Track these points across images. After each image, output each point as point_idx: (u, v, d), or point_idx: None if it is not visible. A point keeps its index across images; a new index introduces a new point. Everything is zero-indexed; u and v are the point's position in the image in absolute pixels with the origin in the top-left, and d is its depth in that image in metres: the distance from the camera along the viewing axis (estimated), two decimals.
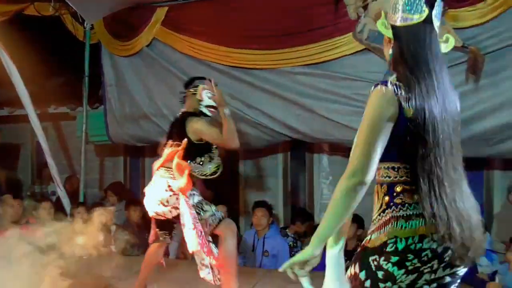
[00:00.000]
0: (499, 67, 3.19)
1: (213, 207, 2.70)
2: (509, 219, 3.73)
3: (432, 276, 1.29)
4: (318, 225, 4.34)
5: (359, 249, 1.39)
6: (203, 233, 2.56)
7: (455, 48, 3.20)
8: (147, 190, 2.75)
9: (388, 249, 1.28)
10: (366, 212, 4.21)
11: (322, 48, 3.58)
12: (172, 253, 4.24)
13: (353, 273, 1.36)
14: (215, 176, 2.80)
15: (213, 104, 2.76)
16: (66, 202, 4.40)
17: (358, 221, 3.74)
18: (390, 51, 1.40)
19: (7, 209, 3.75)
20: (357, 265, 1.35)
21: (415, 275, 1.28)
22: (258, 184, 4.89)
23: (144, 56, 4.25)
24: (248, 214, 4.64)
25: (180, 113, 2.87)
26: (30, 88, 4.42)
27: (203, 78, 2.87)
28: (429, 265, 1.27)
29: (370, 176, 1.28)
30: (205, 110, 2.81)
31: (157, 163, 2.72)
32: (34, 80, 4.53)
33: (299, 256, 1.35)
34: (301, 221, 4.22)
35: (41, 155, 4.57)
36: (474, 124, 3.21)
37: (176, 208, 2.61)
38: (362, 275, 1.32)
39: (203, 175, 2.78)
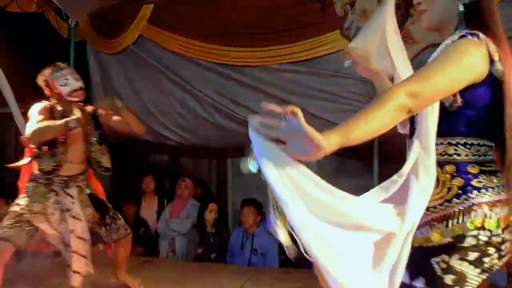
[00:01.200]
0: None
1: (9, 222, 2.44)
2: None
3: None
4: None
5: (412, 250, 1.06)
6: None
7: None
8: None
9: (465, 244, 1.04)
10: None
11: (309, 46, 3.58)
12: (163, 252, 4.22)
13: (407, 283, 1.07)
14: (51, 175, 2.55)
15: (74, 88, 2.62)
16: None
17: None
18: (461, 7, 1.16)
19: None
20: (405, 273, 1.05)
21: (485, 275, 1.07)
22: (247, 182, 4.88)
23: (130, 53, 4.19)
24: (236, 213, 4.63)
25: None
26: (14, 86, 4.33)
27: (48, 68, 2.69)
28: (502, 260, 1.07)
29: (414, 110, 1.03)
30: (74, 99, 2.65)
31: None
32: (18, 78, 4.44)
33: (308, 128, 0.95)
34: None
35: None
36: None
37: None
38: (419, 284, 1.05)
39: (40, 170, 2.56)
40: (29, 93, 5.00)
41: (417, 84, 1.03)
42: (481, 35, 1.10)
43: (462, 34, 1.11)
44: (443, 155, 1.14)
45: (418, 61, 3.33)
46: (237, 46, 3.77)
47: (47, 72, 2.67)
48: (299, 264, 3.94)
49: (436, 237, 1.08)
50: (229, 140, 4.11)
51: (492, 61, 1.08)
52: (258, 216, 3.94)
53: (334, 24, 3.48)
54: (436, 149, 1.13)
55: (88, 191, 2.68)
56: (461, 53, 1.06)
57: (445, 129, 1.12)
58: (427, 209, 1.09)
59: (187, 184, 4.33)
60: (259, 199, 4.21)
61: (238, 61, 3.80)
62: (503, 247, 1.06)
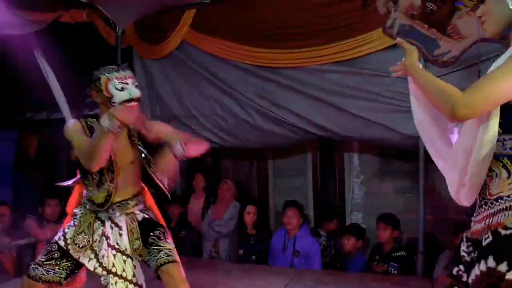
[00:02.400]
0: None
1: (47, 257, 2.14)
2: None
3: None
4: (348, 224, 4.26)
5: (486, 241, 1.23)
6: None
7: (491, 40, 3.08)
8: None
9: None
10: (398, 212, 4.13)
11: (351, 45, 3.51)
12: (206, 253, 4.30)
13: (483, 271, 1.21)
14: (104, 208, 2.15)
15: (130, 97, 2.03)
16: None
17: (394, 222, 3.67)
18: None
19: (47, 209, 3.90)
20: (490, 259, 1.19)
21: None
22: (287, 183, 4.87)
23: (173, 58, 4.31)
24: (278, 214, 4.63)
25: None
26: (66, 92, 4.57)
27: (106, 68, 2.14)
28: None
29: (467, 116, 1.27)
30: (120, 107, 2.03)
31: None
32: (70, 85, 4.68)
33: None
34: (328, 219, 4.18)
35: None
36: None
37: None
38: (503, 267, 1.17)
39: (92, 202, 2.19)
40: (80, 99, 5.29)
41: (473, 96, 1.24)
42: None
43: None
44: None
45: (466, 57, 3.19)
46: (277, 48, 3.77)
47: (102, 69, 2.15)
48: (342, 266, 3.89)
49: (509, 222, 1.19)
50: (269, 142, 4.12)
51: None
52: (301, 217, 3.92)
53: (376, 22, 3.39)
54: (504, 144, 1.27)
55: (140, 217, 2.22)
56: None
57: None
58: (502, 197, 1.24)
59: (229, 185, 4.39)
60: (300, 201, 4.19)
61: (277, 63, 3.80)
62: None
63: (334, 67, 3.62)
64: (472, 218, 1.35)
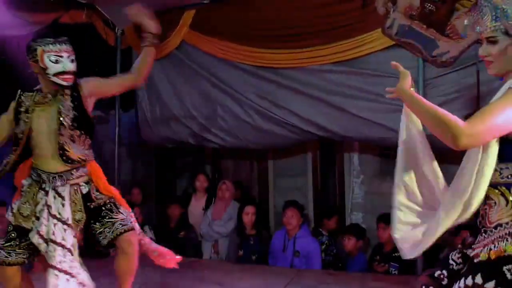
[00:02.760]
0: None
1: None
2: None
3: None
4: (348, 224, 4.26)
5: (479, 260, 1.32)
6: None
7: None
8: None
9: None
10: None
11: (350, 45, 3.52)
12: (206, 254, 4.30)
13: (468, 285, 1.29)
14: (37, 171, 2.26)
15: (63, 69, 2.13)
16: None
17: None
18: None
19: None
20: (478, 276, 1.28)
21: None
22: (288, 184, 4.88)
23: (173, 59, 4.31)
24: (278, 214, 4.64)
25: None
26: None
27: (42, 40, 2.20)
28: None
29: (469, 146, 1.31)
30: (56, 80, 2.15)
31: None
32: None
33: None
34: (327, 218, 4.18)
35: None
36: None
37: None
38: (490, 285, 1.26)
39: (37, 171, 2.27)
40: None
41: (476, 127, 1.26)
42: None
43: None
44: (509, 178, 1.33)
45: (465, 57, 3.20)
46: (277, 48, 3.78)
47: (39, 40, 2.18)
48: (342, 266, 3.90)
49: (510, 248, 1.26)
50: (269, 142, 4.13)
51: None
52: (301, 218, 3.93)
53: (376, 23, 3.40)
54: (501, 173, 1.34)
55: (86, 190, 2.26)
56: None
57: (509, 155, 1.31)
58: (501, 224, 1.31)
59: (228, 186, 4.39)
60: (300, 201, 4.20)
61: (278, 63, 3.81)
62: None
63: (334, 67, 3.63)
64: (473, 246, 1.40)
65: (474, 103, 3.11)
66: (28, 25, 4.44)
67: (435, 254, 3.54)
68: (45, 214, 2.16)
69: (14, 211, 2.22)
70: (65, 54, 2.16)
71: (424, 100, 1.44)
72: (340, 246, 3.96)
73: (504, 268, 1.25)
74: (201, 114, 4.23)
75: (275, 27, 3.79)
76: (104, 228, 2.21)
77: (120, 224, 2.20)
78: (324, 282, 3.26)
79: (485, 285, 1.25)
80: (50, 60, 2.12)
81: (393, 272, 3.53)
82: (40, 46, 2.14)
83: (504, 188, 1.34)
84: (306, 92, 3.74)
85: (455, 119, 1.29)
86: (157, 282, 3.32)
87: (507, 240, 1.28)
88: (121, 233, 2.18)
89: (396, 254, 3.59)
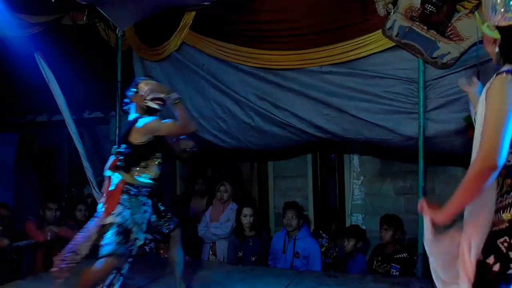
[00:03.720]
0: None
1: (119, 238, 2.48)
2: None
3: None
4: (348, 226, 4.27)
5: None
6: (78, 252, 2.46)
7: None
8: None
9: None
10: (398, 212, 4.13)
11: (350, 47, 3.51)
12: (205, 256, 4.30)
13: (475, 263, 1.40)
14: (157, 181, 2.68)
15: (158, 95, 2.64)
16: None
17: (396, 224, 3.67)
18: (497, 49, 1.53)
19: (47, 212, 3.90)
20: (480, 254, 1.40)
21: None
22: (288, 185, 4.88)
23: (173, 60, 4.31)
24: (278, 216, 4.64)
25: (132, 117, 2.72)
26: (67, 94, 4.58)
27: (146, 77, 2.81)
28: None
29: (501, 160, 1.34)
30: (151, 104, 2.67)
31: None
32: (70, 87, 4.69)
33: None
34: (331, 221, 4.18)
35: (77, 159, 4.71)
36: None
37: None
38: (490, 260, 1.36)
39: (150, 178, 2.65)
40: (80, 101, 5.30)
41: (486, 147, 1.35)
42: None
43: (498, 72, 1.43)
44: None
45: (465, 59, 3.20)
46: (277, 50, 3.78)
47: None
48: (343, 267, 3.90)
49: (496, 223, 1.40)
50: (270, 143, 4.13)
51: None
52: (301, 219, 3.93)
53: (376, 24, 3.40)
54: None
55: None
56: (500, 97, 1.37)
57: None
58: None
59: (226, 187, 4.38)
60: (300, 202, 4.20)
61: (278, 65, 3.81)
62: None
63: (334, 68, 3.63)
64: None
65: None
66: (28, 27, 4.46)
67: None
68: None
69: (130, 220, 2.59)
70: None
71: (450, 203, 1.46)
72: (339, 247, 3.96)
73: (498, 241, 1.36)
74: (201, 115, 4.23)
75: (275, 28, 3.80)
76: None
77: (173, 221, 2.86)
78: (324, 283, 3.25)
79: (486, 261, 1.35)
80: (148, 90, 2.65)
81: (394, 274, 3.53)
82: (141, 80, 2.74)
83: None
84: (306, 93, 3.74)
85: (468, 173, 1.37)
86: (160, 281, 3.33)
87: (498, 213, 1.41)
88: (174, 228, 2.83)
89: (397, 255, 3.59)
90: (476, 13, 1.62)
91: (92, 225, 2.54)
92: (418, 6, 3.23)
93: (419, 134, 3.32)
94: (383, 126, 3.50)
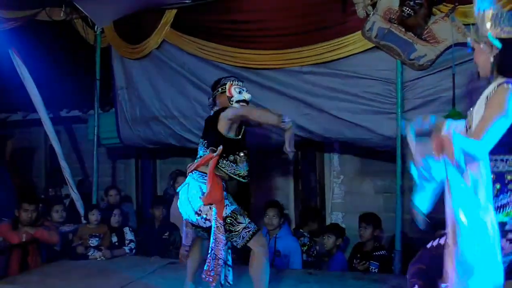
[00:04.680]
0: None
1: (247, 219, 2.54)
2: None
3: None
4: (329, 224, 4.26)
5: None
6: (218, 256, 2.50)
7: (465, 45, 3.19)
8: (180, 191, 2.67)
9: (507, 228, 1.61)
10: (378, 211, 4.20)
11: (330, 47, 3.56)
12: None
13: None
14: (247, 179, 2.66)
15: (244, 98, 2.71)
16: (79, 204, 4.45)
17: (375, 222, 3.73)
18: (492, 59, 1.72)
19: (22, 213, 3.81)
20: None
21: None
22: (269, 184, 4.90)
23: (153, 58, 4.28)
24: (259, 214, 4.65)
25: (212, 112, 2.77)
26: (43, 93, 4.48)
27: (233, 77, 2.85)
28: None
29: (484, 155, 1.57)
30: (236, 106, 2.70)
31: (192, 165, 2.65)
32: (46, 84, 4.59)
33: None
34: (312, 220, 4.22)
35: (54, 159, 4.62)
36: None
37: (209, 220, 2.51)
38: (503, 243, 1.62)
39: (236, 176, 2.62)
40: (57, 99, 5.19)
41: (480, 135, 1.59)
42: None
43: (502, 82, 1.63)
44: (491, 167, 1.67)
45: (441, 61, 3.28)
46: (258, 49, 3.79)
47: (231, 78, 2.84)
48: (323, 265, 3.95)
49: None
50: (251, 142, 4.13)
51: None
52: (281, 218, 3.95)
53: (356, 25, 3.45)
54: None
55: None
56: (505, 103, 1.59)
57: (493, 149, 1.62)
58: None
59: None
60: (281, 201, 4.22)
61: (259, 64, 3.82)
62: None
63: (314, 68, 3.66)
64: None
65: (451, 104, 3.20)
66: (3, 22, 4.34)
67: (411, 252, 3.61)
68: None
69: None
70: (244, 89, 2.78)
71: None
72: (320, 245, 4.01)
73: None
74: (182, 114, 4.21)
75: (257, 28, 3.81)
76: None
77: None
78: (305, 281, 3.28)
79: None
80: (235, 91, 2.73)
81: (373, 270, 3.60)
82: (228, 81, 2.76)
83: None
84: (287, 93, 3.77)
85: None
86: (140, 283, 3.29)
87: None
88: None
89: (376, 253, 3.66)
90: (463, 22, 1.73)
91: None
92: (397, 8, 3.30)
93: (397, 134, 3.38)
94: (363, 126, 3.55)
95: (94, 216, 4.00)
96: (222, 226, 2.49)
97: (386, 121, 3.45)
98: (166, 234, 4.22)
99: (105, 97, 4.82)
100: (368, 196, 4.43)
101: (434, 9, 3.25)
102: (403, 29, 3.31)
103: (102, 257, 3.90)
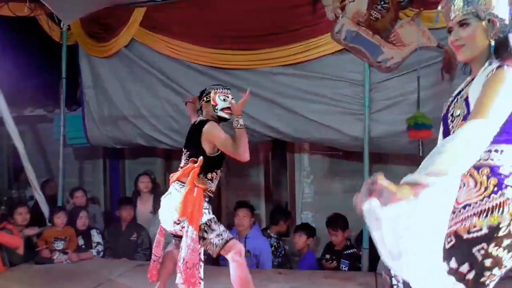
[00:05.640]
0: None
1: (222, 227, 2.57)
2: None
3: None
4: (299, 223, 4.30)
5: (449, 244, 1.34)
6: (196, 265, 2.50)
7: (430, 48, 3.31)
8: (163, 200, 2.67)
9: (500, 234, 1.27)
10: (347, 210, 4.27)
11: (301, 49, 3.61)
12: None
13: (446, 270, 1.32)
14: (212, 195, 2.70)
15: (229, 105, 2.69)
16: (44, 206, 4.31)
17: (343, 225, 3.79)
18: (493, 42, 1.46)
19: None
20: (453, 261, 1.31)
21: None
22: (240, 184, 4.90)
23: (122, 57, 4.20)
24: (230, 214, 4.65)
25: (197, 120, 2.74)
26: (5, 90, 4.32)
27: (218, 85, 2.84)
28: None
29: (494, 133, 1.28)
30: (221, 114, 2.71)
31: (174, 175, 2.64)
32: (9, 82, 4.42)
33: (393, 188, 1.27)
34: (284, 220, 4.25)
35: (18, 159, 4.46)
36: None
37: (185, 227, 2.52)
38: (464, 268, 1.29)
39: (209, 192, 2.65)
40: (21, 98, 5.00)
41: (485, 113, 1.30)
42: None
43: (498, 65, 1.39)
44: (482, 160, 1.36)
45: (407, 63, 3.38)
46: (229, 49, 3.79)
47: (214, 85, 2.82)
48: (292, 265, 3.98)
49: (479, 224, 1.30)
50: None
51: None
52: (252, 218, 3.96)
53: (325, 28, 3.52)
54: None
55: None
56: (508, 83, 1.34)
57: None
58: (469, 204, 1.35)
59: None
60: (252, 201, 4.23)
61: (230, 64, 3.82)
62: None
63: (285, 70, 3.70)
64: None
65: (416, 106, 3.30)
66: None
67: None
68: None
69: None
70: (230, 96, 2.72)
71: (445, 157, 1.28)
72: (291, 245, 4.04)
73: (474, 249, 1.28)
74: (151, 114, 4.15)
75: (228, 28, 3.81)
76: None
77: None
78: (274, 281, 3.31)
79: (459, 269, 1.29)
80: (219, 99, 2.70)
81: (343, 269, 3.66)
82: (213, 89, 2.74)
83: (473, 170, 1.37)
84: (258, 94, 3.78)
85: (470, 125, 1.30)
86: (107, 285, 3.23)
87: (471, 221, 1.31)
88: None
89: (346, 251, 3.72)
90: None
91: None
92: (365, 12, 3.38)
93: (364, 134, 3.46)
94: (332, 127, 3.61)
95: (59, 218, 3.89)
96: (196, 237, 2.51)
97: (354, 122, 3.53)
98: (134, 236, 4.14)
99: (72, 96, 4.69)
100: (337, 195, 4.51)
101: (400, 13, 3.35)
102: (371, 32, 3.39)
103: (68, 261, 3.81)
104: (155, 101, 4.13)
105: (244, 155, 2.54)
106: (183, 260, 2.49)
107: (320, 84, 3.63)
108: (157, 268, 2.76)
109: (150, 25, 4.03)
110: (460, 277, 1.28)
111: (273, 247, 3.99)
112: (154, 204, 4.31)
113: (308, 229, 4.00)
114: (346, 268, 3.66)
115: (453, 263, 1.30)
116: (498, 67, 1.39)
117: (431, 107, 3.25)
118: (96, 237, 4.08)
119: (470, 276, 1.27)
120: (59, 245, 3.84)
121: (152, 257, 2.79)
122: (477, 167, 1.36)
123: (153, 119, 4.15)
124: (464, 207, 1.36)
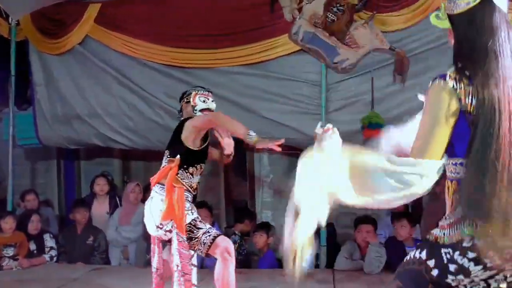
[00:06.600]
0: (424, 68, 3.43)
1: (207, 225, 2.56)
2: None
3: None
4: (259, 222, 4.31)
5: (429, 238, 1.31)
6: (185, 272, 2.44)
7: (382, 50, 3.43)
8: (146, 205, 2.58)
9: (465, 245, 1.21)
10: None
11: (259, 48, 3.65)
12: (115, 260, 4.10)
13: (417, 257, 1.30)
14: (195, 192, 2.65)
15: (208, 107, 2.71)
16: None
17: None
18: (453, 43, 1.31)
19: None
20: (424, 252, 1.29)
21: (494, 271, 1.21)
22: (200, 183, 4.86)
23: (76, 54, 4.07)
24: None
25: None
26: None
27: (200, 87, 2.84)
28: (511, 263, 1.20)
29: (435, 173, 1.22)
30: (200, 114, 2.70)
31: (154, 178, 2.56)
32: None
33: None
34: (249, 219, 4.26)
35: None
36: (401, 122, 3.43)
37: (170, 231, 2.45)
38: (431, 263, 1.27)
39: (190, 188, 2.59)
40: None
41: (416, 154, 1.24)
42: (448, 76, 1.23)
43: (435, 77, 1.26)
44: (452, 173, 1.30)
45: (361, 65, 3.49)
46: (187, 48, 3.77)
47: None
48: (252, 264, 4.01)
49: (447, 237, 1.26)
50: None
51: (460, 98, 1.22)
52: (211, 218, 3.95)
53: (283, 28, 3.57)
54: (448, 168, 1.29)
55: None
56: (430, 104, 1.26)
57: (450, 151, 1.28)
58: (446, 216, 1.31)
59: (134, 188, 4.20)
60: (211, 201, 4.22)
61: (188, 63, 3.80)
62: (506, 252, 1.18)
63: (243, 69, 3.72)
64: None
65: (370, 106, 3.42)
66: None
67: (336, 247, 3.80)
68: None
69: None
70: (210, 98, 2.76)
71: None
72: (251, 244, 4.06)
73: (443, 250, 1.25)
74: (107, 113, 4.04)
75: (186, 27, 3.78)
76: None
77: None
78: (235, 280, 3.31)
79: (427, 262, 1.28)
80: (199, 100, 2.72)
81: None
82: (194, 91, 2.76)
83: (449, 181, 1.32)
84: (217, 93, 3.73)
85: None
86: None
87: (443, 233, 1.27)
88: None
89: None
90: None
91: None
92: (321, 13, 3.45)
93: None
94: (290, 126, 3.67)
95: (7, 224, 3.71)
96: (185, 241, 2.45)
97: (311, 121, 3.59)
98: (90, 239, 4.02)
99: (22, 95, 4.49)
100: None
101: (355, 16, 3.45)
102: (327, 34, 3.47)
103: (18, 267, 3.64)
104: (110, 99, 4.03)
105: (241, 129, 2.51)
106: (177, 267, 2.44)
107: (279, 84, 3.68)
108: (157, 282, 2.64)
109: (105, 21, 3.93)
110: (426, 270, 1.28)
111: (236, 244, 4.00)
112: (110, 206, 4.22)
113: (268, 228, 4.03)
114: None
115: (423, 254, 1.29)
116: (433, 79, 1.29)
117: (384, 107, 3.37)
118: (49, 241, 3.92)
119: (434, 273, 1.26)
120: (9, 251, 3.67)
121: (152, 268, 2.67)
122: (451, 179, 1.32)
123: (108, 118, 4.04)
124: (444, 217, 1.32)
